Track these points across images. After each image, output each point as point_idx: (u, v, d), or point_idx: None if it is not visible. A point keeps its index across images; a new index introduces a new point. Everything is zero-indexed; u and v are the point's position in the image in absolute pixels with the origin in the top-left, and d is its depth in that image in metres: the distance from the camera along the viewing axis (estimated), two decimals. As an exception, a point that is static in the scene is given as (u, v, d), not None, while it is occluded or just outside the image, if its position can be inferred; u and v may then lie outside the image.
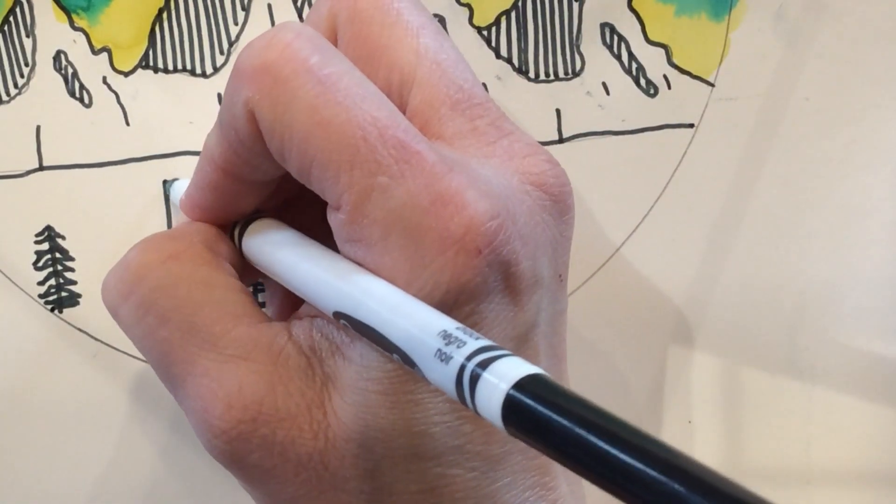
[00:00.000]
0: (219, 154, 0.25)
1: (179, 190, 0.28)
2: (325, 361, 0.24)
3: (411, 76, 0.24)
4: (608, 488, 0.16)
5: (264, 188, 0.26)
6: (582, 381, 0.32)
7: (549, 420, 0.17)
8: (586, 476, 0.16)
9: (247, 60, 0.23)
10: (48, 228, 0.30)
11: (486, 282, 0.22)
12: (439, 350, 0.19)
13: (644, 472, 0.15)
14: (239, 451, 0.23)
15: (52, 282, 0.30)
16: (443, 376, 0.19)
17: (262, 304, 0.31)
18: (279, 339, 0.24)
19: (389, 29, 0.25)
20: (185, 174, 0.31)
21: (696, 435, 0.33)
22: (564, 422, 0.16)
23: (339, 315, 0.22)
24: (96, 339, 0.31)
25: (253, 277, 0.28)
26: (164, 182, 0.30)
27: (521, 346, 0.23)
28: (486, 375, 0.18)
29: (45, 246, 0.30)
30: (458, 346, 0.19)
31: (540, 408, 0.17)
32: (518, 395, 0.17)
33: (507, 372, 0.18)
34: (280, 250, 0.25)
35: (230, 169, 0.25)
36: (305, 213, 0.27)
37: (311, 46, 0.22)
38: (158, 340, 0.24)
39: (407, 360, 0.20)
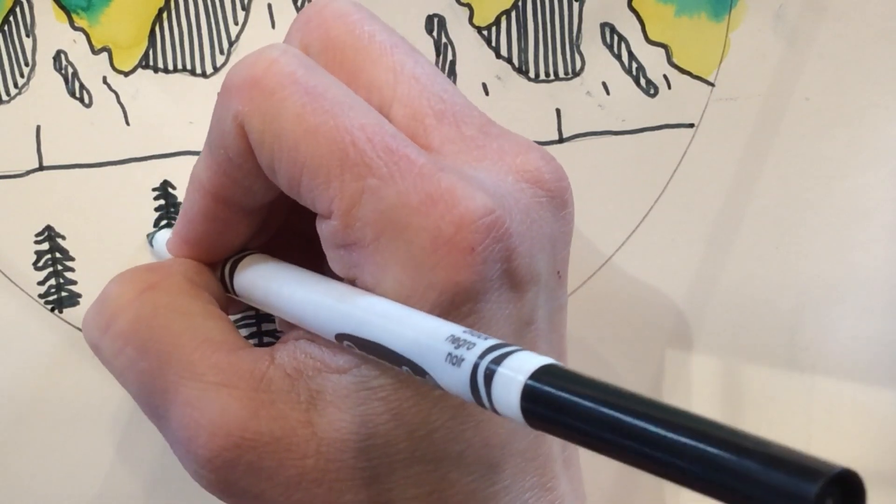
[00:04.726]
0: (208, 178, 0.25)
1: (163, 238, 0.28)
2: (312, 380, 0.23)
3: (391, 94, 0.24)
4: (637, 461, 0.16)
5: (253, 217, 0.26)
6: (582, 381, 0.32)
7: (572, 404, 0.17)
8: (613, 454, 0.16)
9: (235, 77, 0.23)
10: (48, 228, 0.30)
11: (483, 279, 0.22)
12: (450, 354, 0.19)
13: (673, 440, 0.15)
14: (226, 479, 0.23)
15: (52, 282, 0.30)
16: (456, 380, 0.19)
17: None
18: (260, 364, 0.24)
19: (364, 52, 0.25)
20: (184, 174, 0.31)
21: (696, 435, 0.33)
22: (587, 403, 0.17)
23: (342, 337, 0.22)
24: (96, 339, 0.31)
25: (238, 309, 0.29)
26: (147, 234, 0.30)
27: (518, 343, 0.23)
28: (501, 370, 0.18)
29: (45, 246, 0.30)
30: (468, 348, 0.19)
31: (560, 393, 0.17)
32: (536, 384, 0.18)
33: (522, 365, 0.18)
34: (273, 282, 0.25)
35: (220, 193, 0.25)
36: (292, 248, 0.27)
37: (297, 62, 0.23)
38: (138, 372, 0.24)
39: (417, 371, 0.20)
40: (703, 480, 0.15)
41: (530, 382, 0.18)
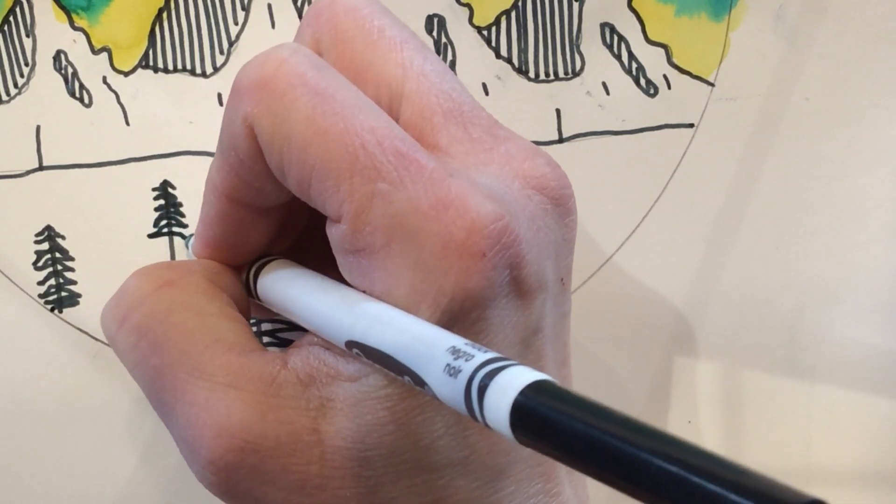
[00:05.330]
0: (221, 180, 0.25)
1: None
2: (323, 387, 0.23)
3: (400, 90, 0.24)
4: (618, 485, 0.16)
5: (270, 218, 0.26)
6: (581, 381, 0.32)
7: (558, 422, 0.17)
8: (596, 475, 0.16)
9: (244, 78, 0.23)
10: (48, 228, 0.30)
11: (492, 286, 0.22)
12: (448, 365, 0.19)
13: (657, 466, 0.15)
14: (228, 480, 0.23)
15: (52, 282, 0.30)
16: (452, 391, 0.19)
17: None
18: (271, 368, 0.24)
19: (373, 46, 0.25)
20: (184, 174, 0.31)
21: (697, 435, 0.33)
22: (573, 423, 0.17)
23: (351, 344, 0.22)
24: (96, 339, 0.31)
25: (264, 316, 0.28)
26: (185, 237, 0.30)
27: (525, 351, 0.23)
28: (494, 384, 0.18)
29: (45, 246, 0.30)
30: (467, 360, 0.19)
31: (548, 411, 0.17)
32: (525, 400, 0.18)
33: (514, 380, 0.18)
34: (292, 288, 0.25)
35: (234, 194, 0.25)
36: (318, 251, 0.27)
37: (307, 62, 0.23)
38: (150, 367, 0.24)
39: (418, 381, 0.20)
40: None
41: (520, 398, 0.18)
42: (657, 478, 0.15)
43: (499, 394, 0.18)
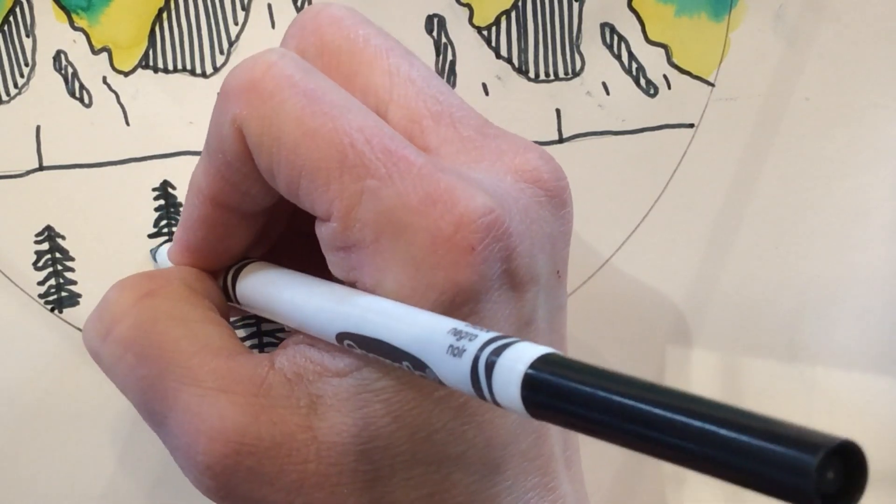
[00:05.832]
0: (207, 184, 0.25)
1: (166, 251, 0.28)
2: (311, 384, 0.23)
3: (387, 96, 0.24)
4: (644, 447, 0.16)
5: (253, 222, 0.26)
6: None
7: (571, 390, 0.17)
8: (615, 438, 0.16)
9: (233, 81, 0.23)
10: (48, 228, 0.30)
11: (483, 279, 0.22)
12: (451, 346, 0.19)
13: (672, 419, 0.15)
14: (226, 485, 0.23)
15: (52, 282, 0.30)
16: (457, 371, 0.19)
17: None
18: (259, 370, 0.24)
19: (359, 55, 0.25)
20: (184, 174, 0.31)
21: (696, 435, 0.33)
22: (587, 389, 0.17)
23: (343, 336, 0.22)
24: (96, 339, 0.31)
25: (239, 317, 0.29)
26: (150, 249, 0.30)
27: None
28: (501, 361, 0.18)
29: (45, 246, 0.30)
30: (470, 340, 0.19)
31: (561, 381, 0.17)
32: (536, 373, 0.18)
33: (522, 355, 0.18)
34: (274, 287, 0.25)
35: (219, 197, 0.25)
36: (294, 256, 0.27)
37: (295, 65, 0.23)
38: (138, 378, 0.24)
39: (418, 365, 0.20)
40: (703, 458, 0.15)
41: (530, 371, 0.18)
42: (685, 434, 0.15)
43: (507, 369, 0.18)
